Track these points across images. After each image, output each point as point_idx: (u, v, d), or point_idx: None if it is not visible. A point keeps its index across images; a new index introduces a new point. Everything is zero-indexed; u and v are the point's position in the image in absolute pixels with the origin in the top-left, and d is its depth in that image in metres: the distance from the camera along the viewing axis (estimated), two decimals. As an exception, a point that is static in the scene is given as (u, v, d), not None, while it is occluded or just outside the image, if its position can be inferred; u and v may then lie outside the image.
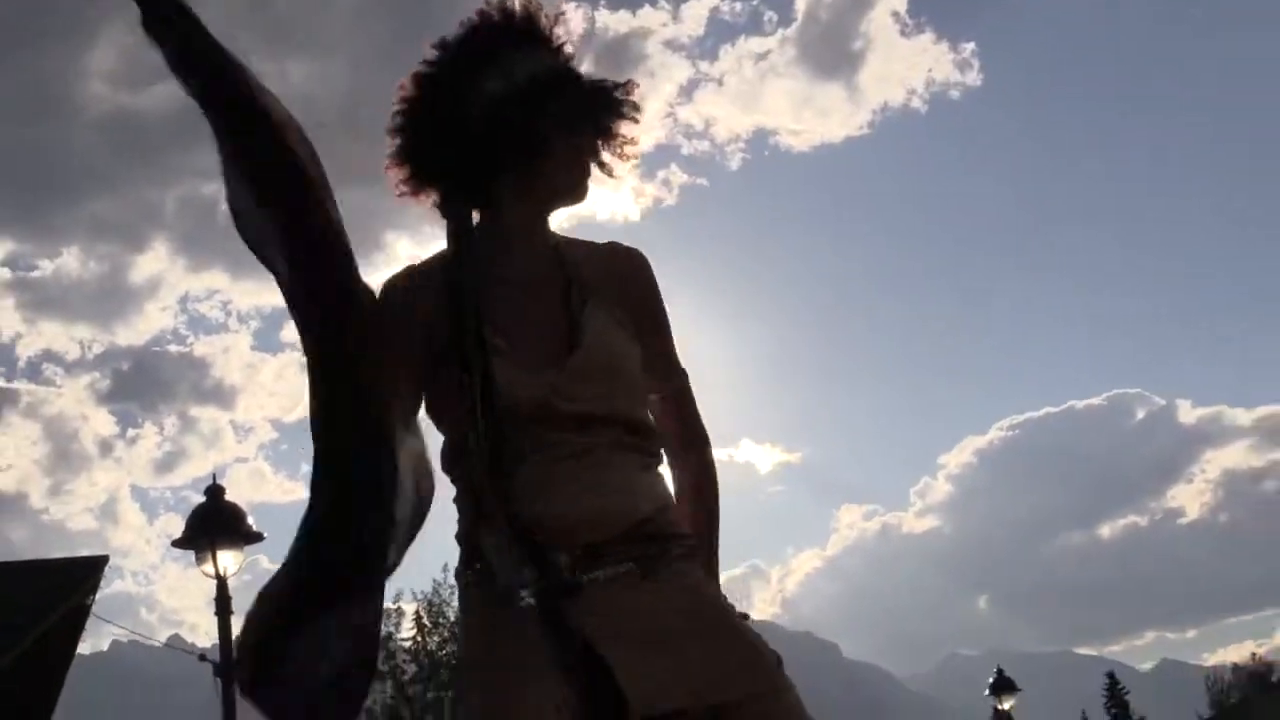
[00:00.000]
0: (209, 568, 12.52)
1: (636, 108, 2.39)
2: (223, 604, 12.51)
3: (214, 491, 12.90)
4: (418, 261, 2.44)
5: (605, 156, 2.40)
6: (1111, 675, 76.81)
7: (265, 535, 12.94)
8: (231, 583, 12.61)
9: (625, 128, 2.39)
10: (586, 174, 2.40)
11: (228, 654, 12.55)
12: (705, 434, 2.55)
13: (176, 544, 12.90)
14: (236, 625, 12.44)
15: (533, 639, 2.11)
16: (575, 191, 2.41)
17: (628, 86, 2.38)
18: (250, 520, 12.76)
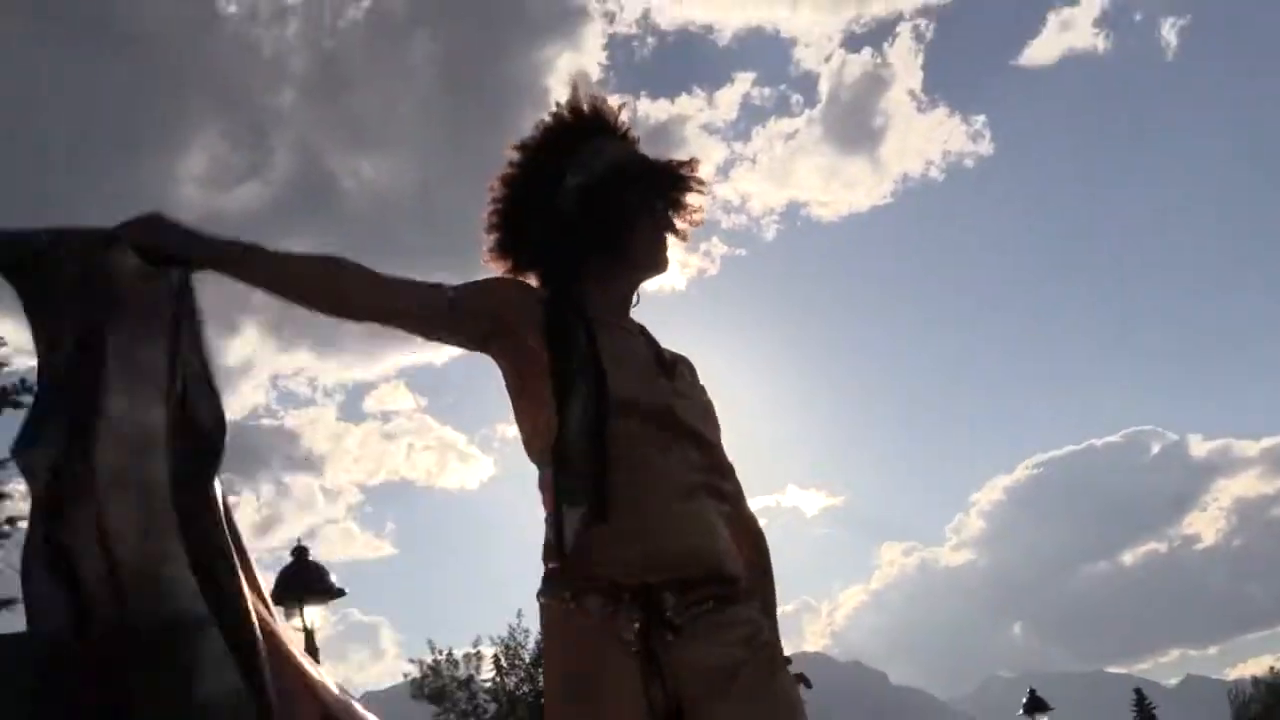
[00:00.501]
0: (297, 621, 12.53)
1: (702, 182, 2.46)
2: (311, 654, 12.47)
3: (299, 553, 12.88)
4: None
5: (679, 225, 2.46)
6: (1139, 692, 75.25)
7: (346, 591, 12.93)
8: (320, 634, 12.63)
9: (694, 199, 2.46)
10: (666, 247, 2.46)
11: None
12: (758, 523, 2.53)
13: (268, 601, 12.91)
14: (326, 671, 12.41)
15: (629, 671, 2.13)
16: (658, 264, 2.47)
17: (692, 164, 2.46)
18: (333, 577, 12.78)
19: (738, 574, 2.29)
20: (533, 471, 2.33)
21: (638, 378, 2.30)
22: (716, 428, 2.43)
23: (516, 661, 35.92)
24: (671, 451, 2.27)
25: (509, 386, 2.37)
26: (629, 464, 2.20)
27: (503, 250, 2.46)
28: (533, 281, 2.44)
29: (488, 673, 35.99)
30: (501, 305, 2.33)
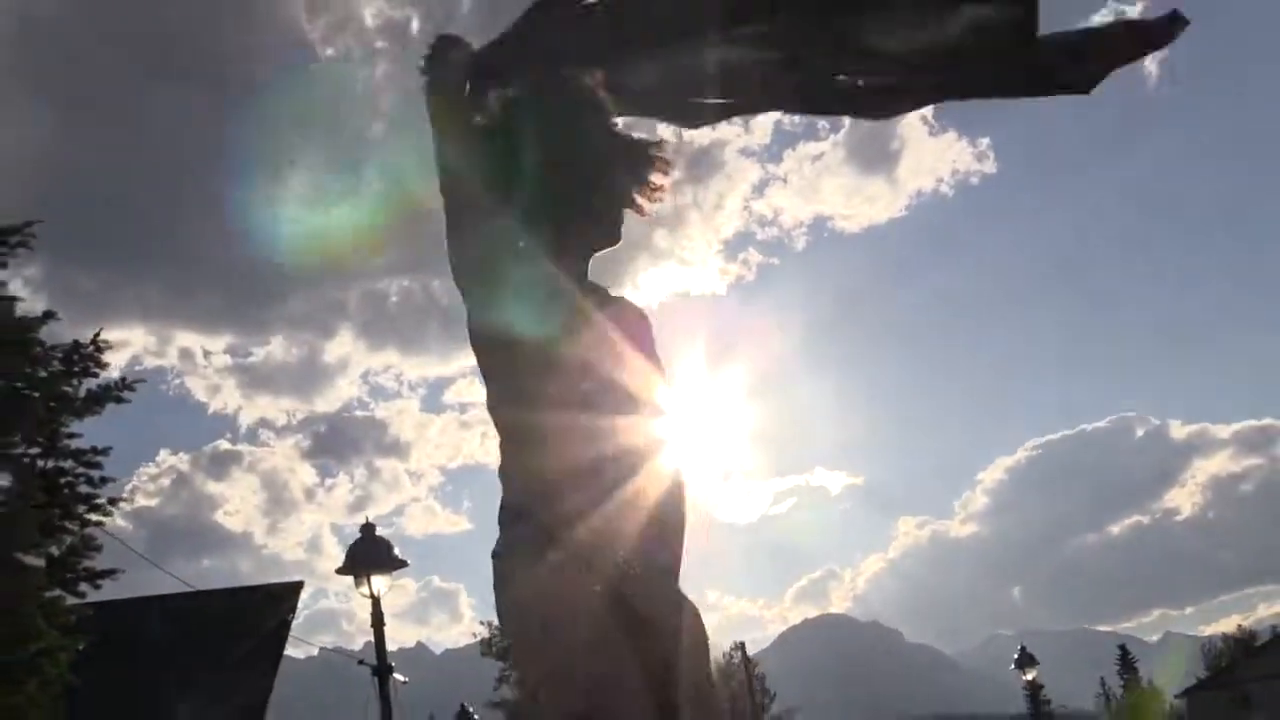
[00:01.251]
0: (365, 590, 12.67)
1: (667, 164, 2.28)
2: (377, 618, 12.65)
3: (367, 529, 13.07)
4: None
5: (639, 200, 2.29)
6: (1123, 647, 74.73)
7: (408, 563, 13.01)
8: (406, 600, 12.82)
9: (658, 179, 2.28)
10: (621, 223, 2.29)
11: (382, 657, 12.82)
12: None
13: (339, 571, 13.04)
14: (389, 634, 12.62)
15: (601, 611, 2.03)
16: (613, 241, 2.31)
17: (659, 145, 2.30)
18: (397, 550, 12.85)
19: (675, 551, 2.19)
20: None
21: None
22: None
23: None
24: None
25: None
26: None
27: None
28: None
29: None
30: None
